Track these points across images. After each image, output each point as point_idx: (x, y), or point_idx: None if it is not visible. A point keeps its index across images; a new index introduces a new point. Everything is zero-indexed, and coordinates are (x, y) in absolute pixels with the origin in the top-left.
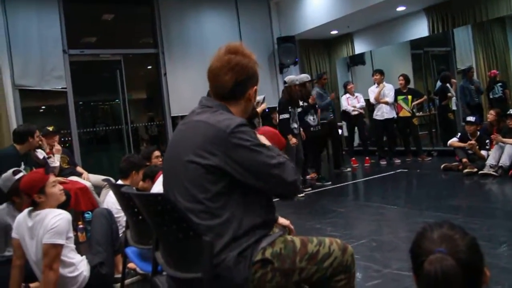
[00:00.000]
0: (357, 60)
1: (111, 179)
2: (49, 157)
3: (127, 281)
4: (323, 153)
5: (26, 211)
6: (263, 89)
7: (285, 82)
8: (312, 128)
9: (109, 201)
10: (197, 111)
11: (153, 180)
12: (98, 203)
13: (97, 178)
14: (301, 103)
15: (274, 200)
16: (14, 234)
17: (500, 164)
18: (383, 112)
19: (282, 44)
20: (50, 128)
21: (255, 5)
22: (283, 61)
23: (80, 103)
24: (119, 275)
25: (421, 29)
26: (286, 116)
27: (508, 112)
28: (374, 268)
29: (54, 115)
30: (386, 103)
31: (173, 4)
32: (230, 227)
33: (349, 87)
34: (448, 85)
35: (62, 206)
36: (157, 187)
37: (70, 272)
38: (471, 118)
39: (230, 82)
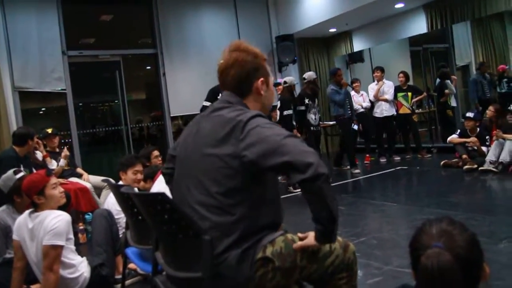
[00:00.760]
0: (356, 57)
1: (111, 179)
2: (45, 161)
3: (127, 282)
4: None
5: (26, 212)
6: None
7: (285, 82)
8: (312, 128)
9: (110, 202)
10: (216, 106)
11: (153, 180)
12: (98, 204)
13: (97, 179)
14: (306, 100)
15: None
16: (14, 236)
17: (500, 160)
18: (383, 110)
19: (280, 42)
20: (49, 130)
21: (254, 4)
22: (282, 60)
23: (80, 104)
24: (120, 276)
25: (419, 25)
26: (290, 112)
27: (509, 108)
28: (375, 266)
29: (54, 117)
30: (386, 100)
31: (172, 4)
32: (239, 227)
33: (355, 84)
34: (448, 81)
35: (62, 207)
36: (157, 186)
37: (70, 273)
38: (470, 114)
39: (233, 79)
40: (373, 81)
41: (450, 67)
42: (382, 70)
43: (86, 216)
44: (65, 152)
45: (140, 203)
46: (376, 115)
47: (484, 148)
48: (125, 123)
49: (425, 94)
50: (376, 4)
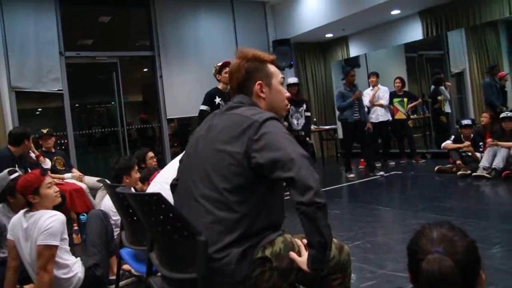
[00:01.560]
0: (352, 63)
1: (106, 180)
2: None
3: (121, 283)
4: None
5: (21, 212)
6: None
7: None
8: (294, 132)
9: (106, 203)
10: (232, 105)
11: (149, 182)
12: (93, 205)
13: (93, 180)
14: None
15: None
16: (9, 235)
17: (493, 166)
18: (378, 115)
19: (277, 47)
20: (45, 131)
21: (251, 8)
22: (278, 64)
23: (76, 105)
24: (114, 277)
25: (415, 32)
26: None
27: (505, 115)
28: (368, 269)
29: (50, 117)
30: (381, 105)
31: (170, 7)
32: (243, 225)
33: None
34: (442, 87)
35: (57, 207)
36: (152, 187)
37: (64, 273)
38: (468, 122)
39: (236, 85)
40: (369, 86)
41: (445, 74)
42: (377, 75)
43: (81, 217)
44: (78, 174)
45: (135, 203)
46: (372, 120)
47: (477, 154)
48: (121, 124)
49: (420, 100)
50: (372, 11)
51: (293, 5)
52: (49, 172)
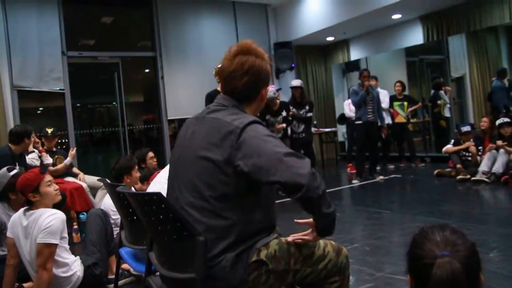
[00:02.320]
0: (353, 66)
1: (107, 180)
2: (41, 156)
3: (120, 282)
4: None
5: (21, 210)
6: None
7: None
8: (294, 135)
9: (106, 202)
10: (212, 108)
11: (149, 182)
12: (93, 204)
13: (93, 179)
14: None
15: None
16: (8, 233)
17: (493, 171)
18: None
19: (278, 49)
20: (49, 131)
21: (253, 10)
22: (279, 66)
23: (78, 105)
24: (113, 276)
25: (416, 36)
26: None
27: (502, 121)
28: (367, 272)
29: (52, 117)
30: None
31: (172, 8)
32: (234, 231)
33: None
34: (442, 92)
35: (57, 206)
36: (152, 187)
37: (63, 272)
38: (467, 128)
39: (244, 86)
40: None
41: (445, 78)
42: (376, 79)
43: (81, 216)
44: (73, 152)
45: (135, 203)
46: None
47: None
48: (122, 125)
49: (420, 104)
50: (373, 14)
51: (295, 8)
52: (50, 168)
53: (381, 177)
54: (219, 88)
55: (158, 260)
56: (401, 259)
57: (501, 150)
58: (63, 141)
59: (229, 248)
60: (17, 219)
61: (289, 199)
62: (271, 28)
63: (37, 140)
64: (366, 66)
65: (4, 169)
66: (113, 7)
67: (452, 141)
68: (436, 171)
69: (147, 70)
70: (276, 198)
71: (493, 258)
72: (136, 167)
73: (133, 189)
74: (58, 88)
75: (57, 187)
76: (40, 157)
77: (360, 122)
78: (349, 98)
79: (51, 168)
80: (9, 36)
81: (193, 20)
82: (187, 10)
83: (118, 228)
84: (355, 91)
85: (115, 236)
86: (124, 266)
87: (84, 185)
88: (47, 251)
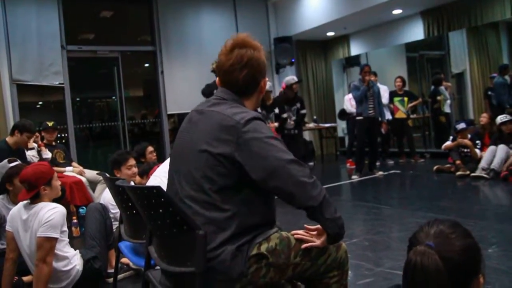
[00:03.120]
0: (353, 61)
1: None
2: (40, 150)
3: (120, 276)
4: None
5: (21, 203)
6: None
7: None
8: (286, 131)
9: (106, 197)
10: (212, 101)
11: (149, 176)
12: (93, 198)
13: (92, 173)
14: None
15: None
16: (8, 227)
17: (492, 167)
18: None
19: (279, 44)
20: (50, 124)
21: (253, 5)
22: (279, 61)
23: (77, 99)
24: (112, 270)
25: (416, 32)
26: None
27: (505, 119)
28: (366, 267)
29: (51, 111)
30: None
31: (172, 3)
32: (234, 222)
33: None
34: (442, 87)
35: (56, 200)
36: (152, 181)
37: (63, 266)
38: (462, 126)
39: (244, 79)
40: None
41: (445, 74)
42: (375, 74)
43: (80, 210)
44: (79, 169)
45: (135, 197)
46: None
47: (477, 151)
48: (121, 119)
49: (420, 99)
50: (374, 10)
51: (295, 3)
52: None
53: (381, 172)
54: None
55: (158, 254)
56: (400, 254)
57: (500, 146)
58: (63, 135)
59: (229, 240)
60: (17, 213)
61: None
62: (271, 23)
63: (37, 134)
64: (366, 62)
65: (5, 160)
66: (113, 1)
67: (451, 137)
68: (435, 167)
69: (147, 65)
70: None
71: (492, 254)
72: (129, 163)
73: (132, 183)
74: (57, 82)
75: (60, 182)
76: (39, 151)
77: (361, 117)
78: (349, 93)
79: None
80: (8, 30)
81: (193, 15)
82: (187, 4)
83: (117, 222)
84: (356, 86)
85: (114, 230)
86: (124, 260)
87: (84, 179)
88: (47, 245)
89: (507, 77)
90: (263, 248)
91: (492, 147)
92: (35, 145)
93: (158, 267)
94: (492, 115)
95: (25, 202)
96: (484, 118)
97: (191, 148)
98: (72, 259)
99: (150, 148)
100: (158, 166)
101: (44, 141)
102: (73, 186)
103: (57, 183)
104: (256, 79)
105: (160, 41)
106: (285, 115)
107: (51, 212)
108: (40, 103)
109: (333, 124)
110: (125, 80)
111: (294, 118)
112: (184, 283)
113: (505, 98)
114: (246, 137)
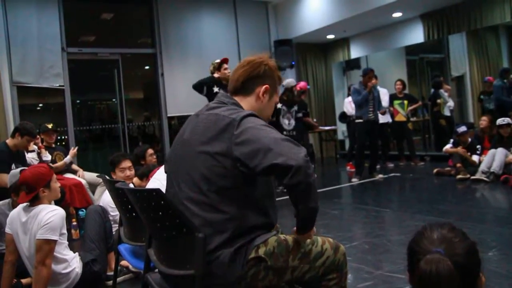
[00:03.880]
0: (353, 64)
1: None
2: (39, 152)
3: (119, 279)
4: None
5: (20, 206)
6: None
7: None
8: (284, 132)
9: (105, 199)
10: (212, 105)
11: (149, 178)
12: (92, 201)
13: (92, 176)
14: (279, 105)
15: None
16: (7, 229)
17: (491, 170)
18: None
19: (279, 47)
20: (49, 126)
21: (253, 7)
22: (279, 64)
23: (77, 101)
24: (112, 273)
25: (416, 35)
26: None
27: (502, 122)
28: (366, 270)
29: (51, 113)
30: None
31: (172, 5)
32: (232, 225)
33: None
34: (441, 91)
35: (56, 202)
36: (151, 184)
37: (62, 268)
38: (462, 129)
39: (241, 77)
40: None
41: (445, 77)
42: (375, 77)
43: (80, 212)
44: (74, 151)
45: (134, 199)
46: None
47: (475, 157)
48: (122, 121)
49: (420, 102)
50: (374, 13)
51: (295, 6)
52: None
53: (381, 175)
54: (216, 75)
55: (157, 256)
56: (400, 257)
57: (499, 149)
58: (63, 137)
59: (226, 243)
60: (16, 215)
61: (288, 196)
62: (272, 26)
63: (37, 136)
64: (366, 65)
65: (17, 170)
66: (113, 4)
67: (451, 140)
68: (435, 170)
69: (147, 67)
70: (277, 196)
71: (492, 257)
72: (123, 165)
73: (131, 185)
74: (57, 85)
75: (59, 184)
76: (39, 154)
77: (360, 120)
78: (349, 96)
79: (50, 165)
80: (9, 32)
81: (193, 17)
82: (187, 7)
83: (117, 225)
84: (356, 89)
85: (114, 233)
86: (123, 262)
87: (83, 181)
88: (46, 247)
89: (505, 81)
90: (261, 251)
91: (492, 151)
92: (35, 147)
93: (157, 270)
94: (493, 118)
95: (24, 204)
96: (483, 121)
97: (189, 150)
98: (71, 262)
99: (150, 151)
100: (158, 169)
101: (44, 143)
102: (73, 188)
103: (56, 185)
104: (252, 81)
105: (160, 43)
106: (279, 105)
107: (50, 214)
108: (41, 105)
109: (333, 127)
110: (125, 82)
111: (293, 121)
112: (183, 286)
113: (504, 100)
114: (241, 129)
